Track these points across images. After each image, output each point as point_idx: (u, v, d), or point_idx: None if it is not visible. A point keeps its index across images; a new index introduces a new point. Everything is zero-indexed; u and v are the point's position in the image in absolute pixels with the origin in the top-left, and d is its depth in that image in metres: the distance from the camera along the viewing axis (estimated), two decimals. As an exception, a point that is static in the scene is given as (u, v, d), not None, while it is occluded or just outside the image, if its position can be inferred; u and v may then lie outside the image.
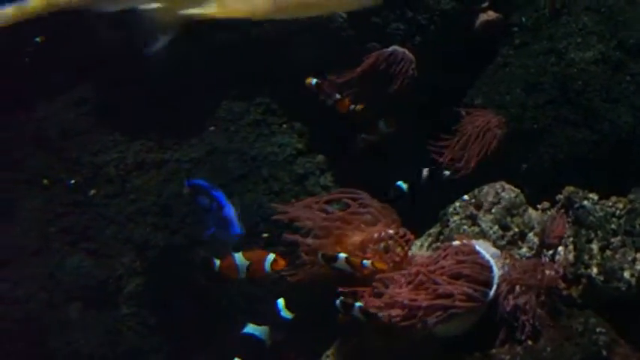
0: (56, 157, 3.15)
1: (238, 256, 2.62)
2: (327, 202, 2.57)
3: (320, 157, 3.02)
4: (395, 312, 2.24)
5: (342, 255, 2.39)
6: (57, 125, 3.19)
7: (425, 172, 2.71)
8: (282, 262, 2.59)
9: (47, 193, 3.13)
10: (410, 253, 2.45)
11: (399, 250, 2.45)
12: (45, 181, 3.13)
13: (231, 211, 2.67)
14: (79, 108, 3.20)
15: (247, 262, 2.61)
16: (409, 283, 2.27)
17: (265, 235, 2.90)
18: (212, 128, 3.07)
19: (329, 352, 2.49)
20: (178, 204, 2.99)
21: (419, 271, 2.26)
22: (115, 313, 2.99)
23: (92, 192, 3.09)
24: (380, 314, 2.26)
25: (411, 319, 2.23)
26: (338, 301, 2.39)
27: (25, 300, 3.01)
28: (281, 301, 2.62)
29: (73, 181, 3.11)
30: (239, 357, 2.58)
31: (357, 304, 2.34)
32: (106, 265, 3.01)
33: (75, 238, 3.05)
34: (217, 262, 2.66)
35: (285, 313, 2.61)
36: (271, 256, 2.59)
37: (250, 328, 2.63)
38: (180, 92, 3.09)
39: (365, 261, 2.35)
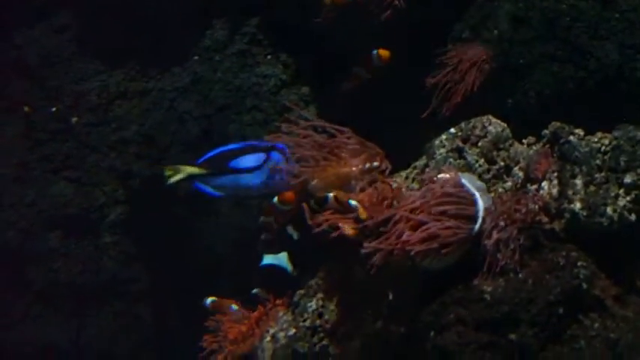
0: (37, 85, 3.12)
1: None
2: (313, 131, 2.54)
3: (305, 89, 2.99)
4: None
5: (330, 195, 2.36)
6: (37, 52, 3.14)
7: None
8: None
9: (28, 120, 3.09)
10: (394, 185, 2.44)
11: (384, 184, 2.44)
12: (26, 109, 3.10)
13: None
14: (61, 35, 3.15)
15: None
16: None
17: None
18: (196, 57, 3.03)
19: (313, 282, 2.50)
20: (161, 133, 2.97)
21: (406, 209, 2.25)
22: (96, 242, 2.99)
23: (74, 120, 3.06)
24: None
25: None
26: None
27: (5, 228, 3.00)
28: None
29: (54, 109, 3.08)
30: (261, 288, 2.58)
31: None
32: (87, 193, 3.00)
33: (56, 166, 3.03)
34: None
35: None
36: None
37: (269, 259, 2.63)
38: (165, 20, 3.05)
39: (351, 201, 2.33)
